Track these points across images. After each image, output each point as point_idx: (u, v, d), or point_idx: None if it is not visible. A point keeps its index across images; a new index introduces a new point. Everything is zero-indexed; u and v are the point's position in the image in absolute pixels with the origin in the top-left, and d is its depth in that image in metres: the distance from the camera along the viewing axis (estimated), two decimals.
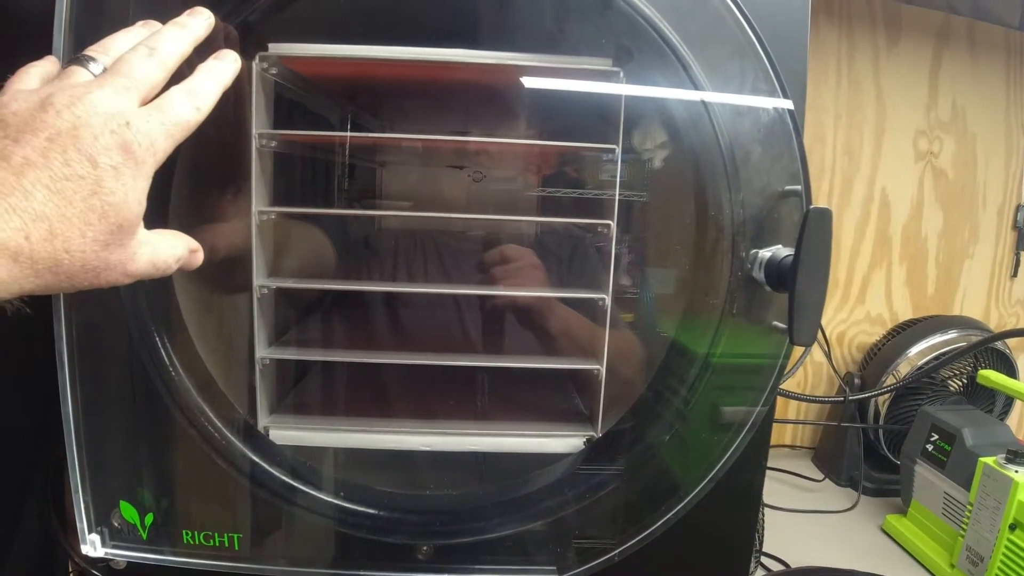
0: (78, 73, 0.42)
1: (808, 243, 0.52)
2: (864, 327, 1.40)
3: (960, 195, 1.39)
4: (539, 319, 0.70)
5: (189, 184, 0.60)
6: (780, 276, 0.56)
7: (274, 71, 0.61)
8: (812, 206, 0.53)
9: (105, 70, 0.43)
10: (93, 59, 0.43)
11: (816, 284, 0.53)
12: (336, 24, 0.63)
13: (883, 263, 1.38)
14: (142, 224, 0.42)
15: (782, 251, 0.57)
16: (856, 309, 1.39)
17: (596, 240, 0.68)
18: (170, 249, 0.45)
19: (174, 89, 0.44)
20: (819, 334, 1.29)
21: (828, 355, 1.31)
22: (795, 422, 1.41)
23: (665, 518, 0.62)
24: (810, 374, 1.40)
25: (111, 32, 0.47)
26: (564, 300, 0.68)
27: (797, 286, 0.53)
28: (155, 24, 0.48)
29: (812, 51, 1.27)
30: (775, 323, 0.60)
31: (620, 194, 0.61)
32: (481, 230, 0.80)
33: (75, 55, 0.44)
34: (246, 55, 0.60)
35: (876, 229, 1.37)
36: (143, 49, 0.43)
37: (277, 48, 0.60)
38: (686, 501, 0.62)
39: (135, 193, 0.40)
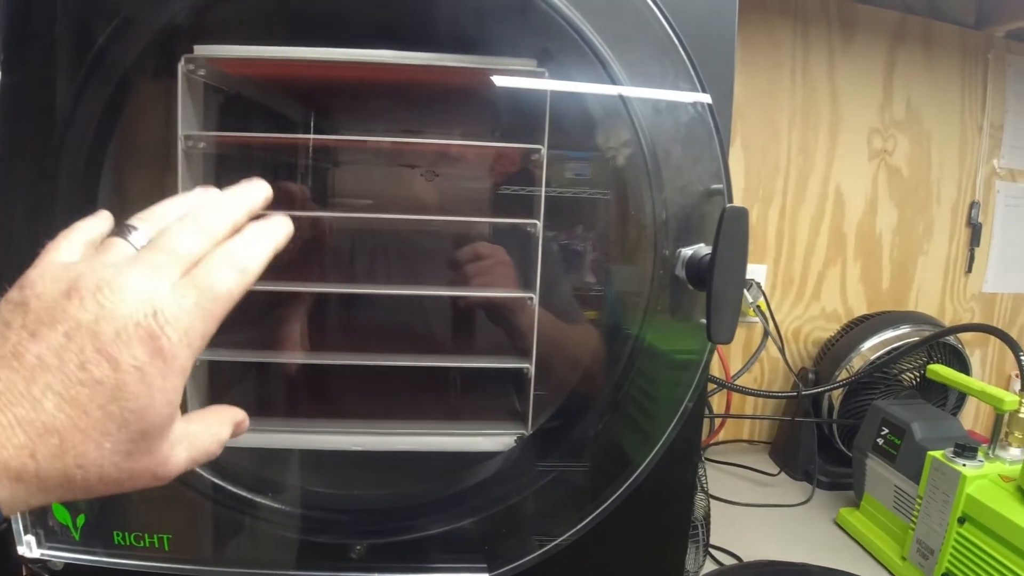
0: (116, 247, 0.37)
1: (725, 242, 0.53)
2: (820, 323, 1.42)
3: (914, 193, 1.41)
4: (510, 316, 0.70)
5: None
6: (700, 274, 0.57)
7: (202, 72, 0.61)
8: (728, 205, 0.53)
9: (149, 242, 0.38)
10: (136, 228, 0.38)
11: (733, 282, 0.54)
12: (265, 25, 0.64)
13: (838, 260, 1.40)
14: (176, 422, 0.37)
15: (703, 249, 0.58)
16: (812, 305, 1.41)
17: (557, 239, 0.69)
18: (212, 437, 0.40)
19: (215, 255, 0.38)
20: (774, 329, 1.31)
21: (782, 350, 1.32)
22: (748, 417, 1.43)
23: (594, 514, 0.63)
24: (767, 369, 1.42)
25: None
26: (491, 299, 0.69)
27: (714, 284, 0.54)
28: (214, 190, 0.43)
29: (768, 51, 1.29)
30: (702, 320, 0.61)
31: (545, 192, 0.62)
32: (430, 229, 0.80)
33: (120, 223, 0.39)
34: (172, 57, 0.60)
35: (831, 226, 1.38)
36: (191, 221, 0.38)
37: (203, 50, 0.60)
38: (615, 496, 0.63)
39: (163, 395, 0.34)
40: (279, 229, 0.42)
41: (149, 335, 0.33)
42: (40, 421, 0.31)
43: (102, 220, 0.41)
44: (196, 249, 0.37)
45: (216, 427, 0.41)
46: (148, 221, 0.39)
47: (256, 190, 0.43)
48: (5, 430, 0.31)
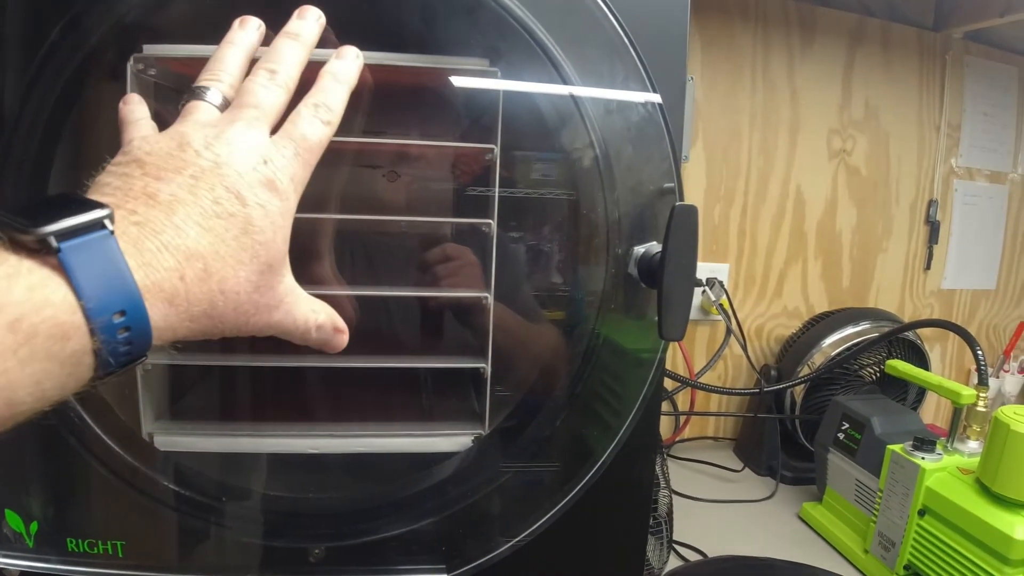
0: (201, 108, 0.40)
1: (674, 240, 0.54)
2: (782, 320, 1.43)
3: (873, 192, 1.43)
4: (477, 315, 0.70)
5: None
6: (651, 271, 0.57)
7: (152, 72, 0.61)
8: (678, 203, 0.54)
9: (225, 100, 0.41)
10: (207, 88, 0.41)
11: (683, 280, 0.54)
12: (215, 24, 0.63)
13: (799, 258, 1.42)
14: (288, 269, 0.40)
15: (656, 247, 0.59)
16: (774, 303, 1.43)
17: (520, 239, 0.69)
18: (309, 312, 0.42)
19: (300, 108, 0.41)
20: (736, 327, 1.32)
21: (745, 348, 1.34)
22: (711, 414, 1.45)
23: (552, 512, 0.63)
24: (730, 367, 1.43)
25: None
26: (456, 299, 0.69)
27: (665, 282, 0.54)
28: (251, 23, 0.45)
29: (728, 53, 1.31)
30: (655, 317, 0.61)
31: (499, 192, 0.62)
32: (393, 230, 0.80)
33: (190, 87, 0.41)
34: (123, 56, 0.59)
35: (792, 225, 1.40)
36: (264, 73, 0.41)
37: (152, 49, 0.59)
38: (573, 494, 0.63)
39: (282, 232, 0.38)
40: (350, 67, 0.45)
41: (267, 178, 0.37)
42: (185, 246, 0.34)
43: (138, 104, 0.43)
44: (276, 101, 0.40)
45: (318, 307, 0.43)
46: (215, 79, 0.42)
47: (309, 24, 0.44)
48: (155, 254, 0.33)
